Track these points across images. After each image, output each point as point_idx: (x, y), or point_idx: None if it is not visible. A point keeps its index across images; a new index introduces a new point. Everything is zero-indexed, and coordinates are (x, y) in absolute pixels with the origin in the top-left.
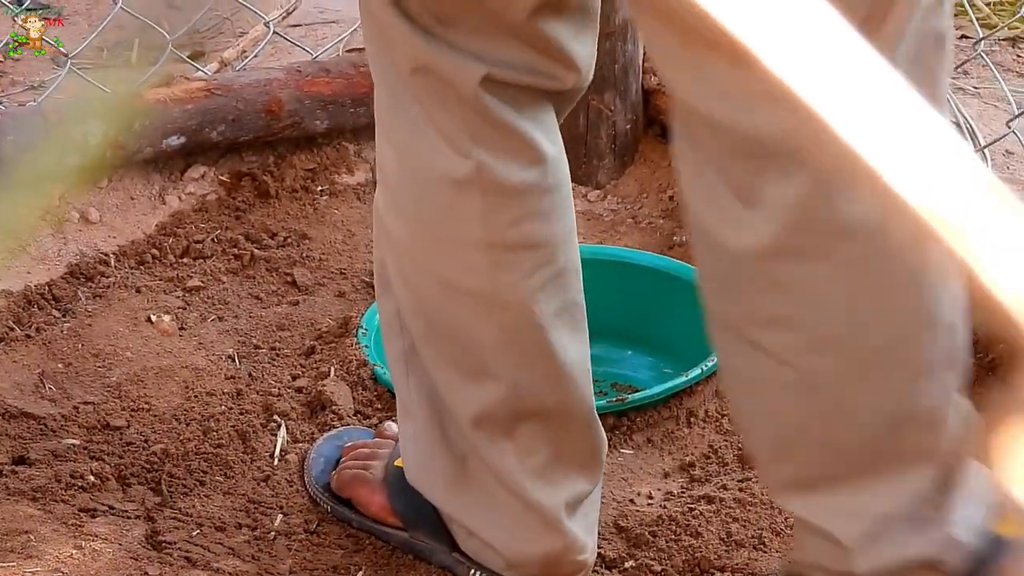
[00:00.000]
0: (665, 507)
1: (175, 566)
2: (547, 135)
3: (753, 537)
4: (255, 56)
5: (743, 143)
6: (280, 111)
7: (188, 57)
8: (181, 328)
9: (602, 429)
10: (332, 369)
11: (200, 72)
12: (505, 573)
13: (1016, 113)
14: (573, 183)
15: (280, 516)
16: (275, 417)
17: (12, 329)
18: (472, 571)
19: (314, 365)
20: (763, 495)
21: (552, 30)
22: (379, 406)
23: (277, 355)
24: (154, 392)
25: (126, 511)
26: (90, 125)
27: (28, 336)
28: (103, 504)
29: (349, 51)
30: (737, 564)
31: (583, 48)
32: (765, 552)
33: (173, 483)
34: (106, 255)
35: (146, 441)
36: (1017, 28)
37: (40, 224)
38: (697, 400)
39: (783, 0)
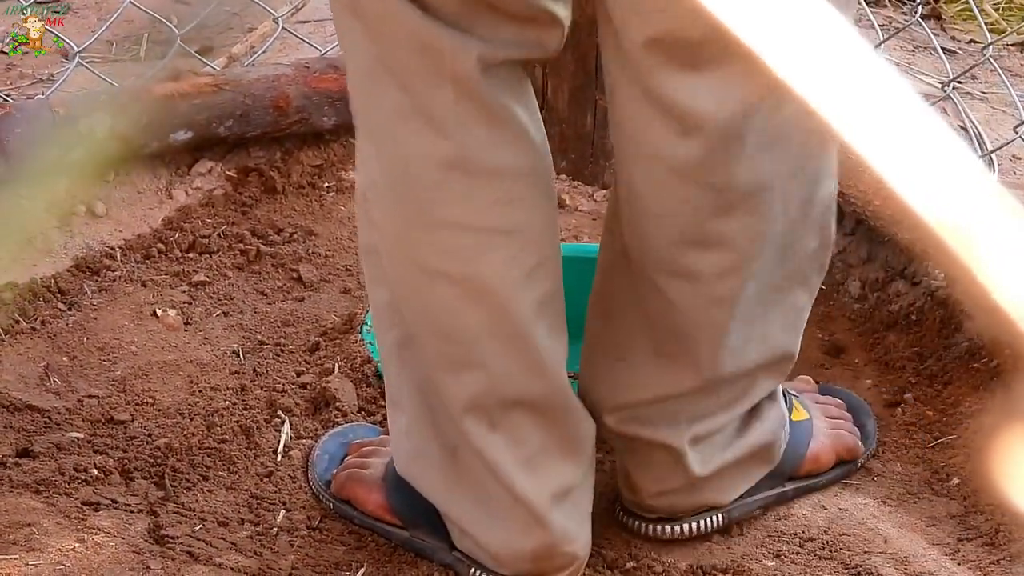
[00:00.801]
0: None
1: (177, 560)
2: (534, 120)
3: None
4: (263, 52)
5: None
6: (288, 107)
7: (196, 52)
8: (186, 323)
9: (590, 418)
10: (336, 365)
11: (208, 67)
12: (499, 571)
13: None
14: (579, 182)
15: (283, 512)
16: (279, 413)
17: (17, 322)
18: (472, 570)
19: (318, 361)
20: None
21: None
22: (383, 403)
23: (282, 351)
24: (158, 386)
25: (129, 505)
26: (97, 119)
27: (33, 329)
28: (106, 498)
29: None
30: (739, 563)
31: (564, 5)
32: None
33: (176, 477)
34: (112, 249)
35: (150, 435)
36: None
37: (46, 217)
38: None
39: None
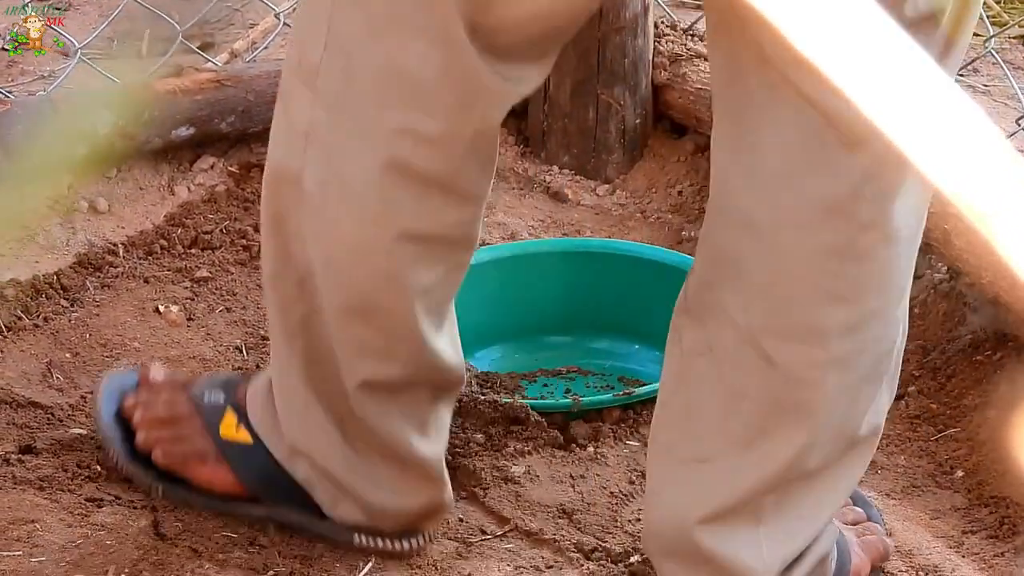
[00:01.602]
0: None
1: (181, 556)
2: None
3: None
4: (265, 47)
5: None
6: None
7: (198, 48)
8: (189, 319)
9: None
10: None
11: (210, 63)
12: (381, 527)
13: None
14: (582, 177)
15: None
16: None
17: (20, 318)
18: (355, 536)
19: None
20: None
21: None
22: None
23: None
24: None
25: (132, 501)
26: (99, 115)
27: (36, 325)
28: (109, 494)
29: None
30: None
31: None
32: None
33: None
34: (114, 245)
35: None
36: None
37: (49, 213)
38: None
39: None
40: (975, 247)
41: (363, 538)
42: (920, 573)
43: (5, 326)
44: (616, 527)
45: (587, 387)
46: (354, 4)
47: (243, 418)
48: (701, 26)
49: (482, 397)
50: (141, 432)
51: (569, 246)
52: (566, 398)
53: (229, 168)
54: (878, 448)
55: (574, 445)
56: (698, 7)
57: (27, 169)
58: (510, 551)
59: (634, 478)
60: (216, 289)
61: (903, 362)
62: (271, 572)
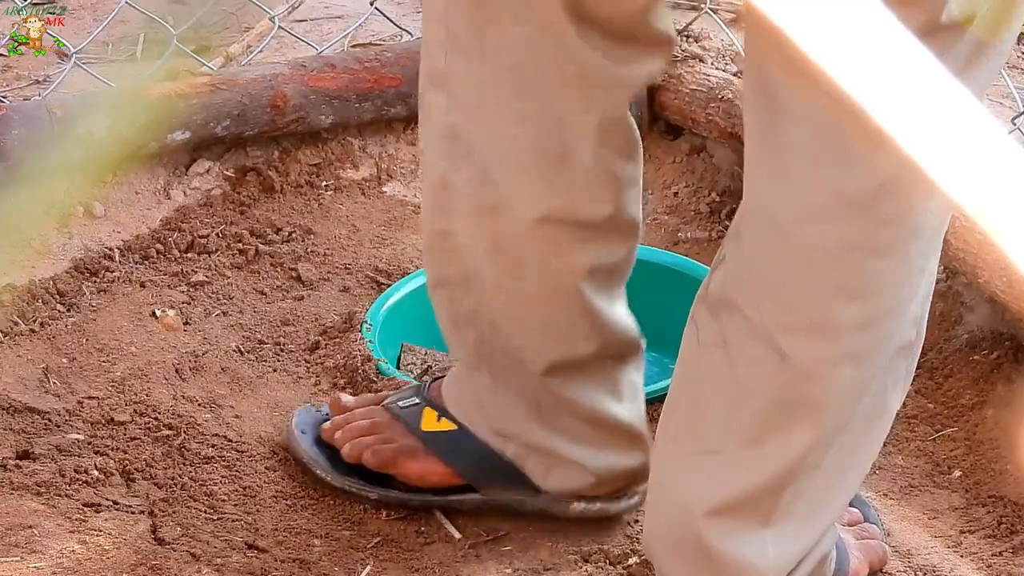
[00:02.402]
0: None
1: (179, 561)
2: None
3: None
4: (260, 51)
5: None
6: (285, 106)
7: (193, 52)
8: (185, 323)
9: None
10: (336, 364)
11: (205, 67)
12: (595, 492)
13: (1021, 110)
14: None
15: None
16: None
17: (16, 324)
18: (572, 503)
19: (318, 360)
20: None
21: None
22: None
23: (281, 350)
24: (158, 387)
25: (130, 506)
26: (95, 120)
27: (32, 331)
28: (107, 499)
29: (354, 46)
30: None
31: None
32: None
33: (177, 478)
34: (110, 250)
35: (150, 436)
36: None
37: (44, 219)
38: None
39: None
40: (972, 246)
41: (582, 504)
42: (918, 573)
43: (1, 332)
44: (615, 530)
45: None
46: (458, 2)
47: (442, 412)
48: (696, 27)
49: None
50: (346, 446)
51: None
52: None
53: (225, 172)
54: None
55: None
56: (693, 8)
57: (22, 174)
58: (508, 553)
59: None
60: (212, 293)
61: None
62: None
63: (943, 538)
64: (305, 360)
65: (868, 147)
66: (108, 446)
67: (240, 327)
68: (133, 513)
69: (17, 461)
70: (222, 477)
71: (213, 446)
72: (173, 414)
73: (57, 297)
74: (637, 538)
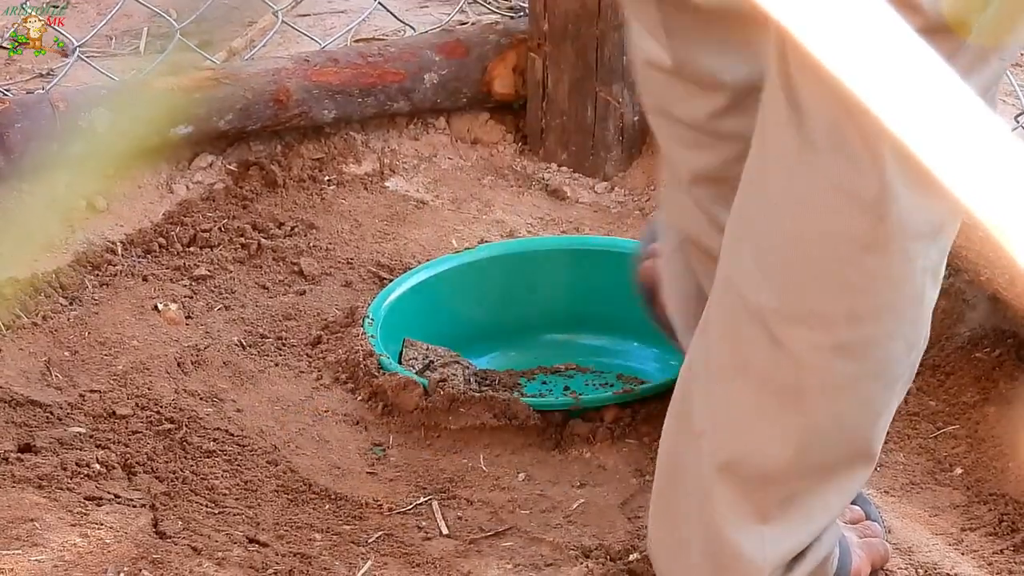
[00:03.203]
0: None
1: (180, 555)
2: None
3: None
4: (263, 45)
5: None
6: (288, 100)
7: (196, 46)
8: (188, 317)
9: None
10: (338, 359)
11: (208, 61)
12: None
13: None
14: (580, 174)
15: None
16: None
17: (19, 317)
18: None
19: (320, 355)
20: None
21: None
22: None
23: (283, 344)
24: (160, 381)
25: (131, 500)
26: (97, 114)
27: (35, 324)
28: (108, 492)
29: (357, 41)
30: None
31: None
32: None
33: (178, 472)
34: (113, 243)
35: (152, 430)
36: None
37: (47, 212)
38: None
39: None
40: (974, 244)
41: None
42: (919, 570)
43: (4, 325)
44: (616, 526)
45: (586, 385)
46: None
47: None
48: None
49: (480, 394)
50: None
51: (568, 243)
52: (565, 395)
53: (227, 166)
54: None
55: (573, 442)
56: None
57: (25, 168)
58: (509, 549)
59: (633, 476)
60: (215, 287)
61: None
62: (270, 570)
63: (944, 535)
64: (307, 355)
65: (870, 143)
66: (110, 439)
67: (242, 321)
68: (134, 506)
69: (19, 454)
70: (223, 471)
71: (215, 440)
72: (175, 408)
73: (60, 290)
74: (638, 533)
